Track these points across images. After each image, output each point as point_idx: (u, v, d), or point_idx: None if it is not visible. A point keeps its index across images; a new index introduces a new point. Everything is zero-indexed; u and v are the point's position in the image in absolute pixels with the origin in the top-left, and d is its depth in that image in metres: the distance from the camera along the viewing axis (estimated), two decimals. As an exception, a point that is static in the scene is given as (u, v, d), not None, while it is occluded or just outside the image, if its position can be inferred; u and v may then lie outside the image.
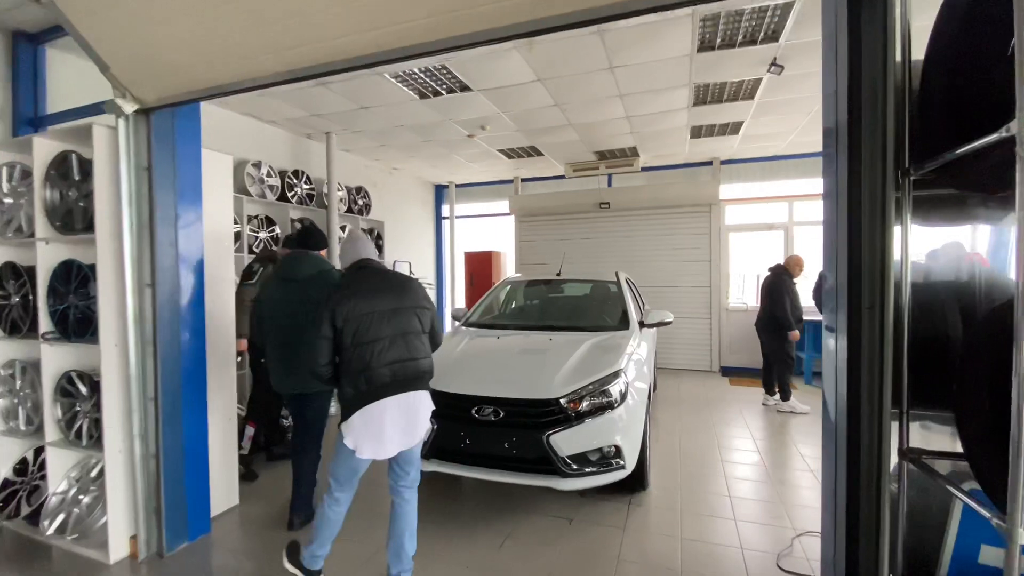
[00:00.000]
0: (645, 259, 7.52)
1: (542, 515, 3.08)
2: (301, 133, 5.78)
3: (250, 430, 3.68)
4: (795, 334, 5.18)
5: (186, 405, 2.80)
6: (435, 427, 3.02)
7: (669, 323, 4.20)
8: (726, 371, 7.26)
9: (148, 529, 2.71)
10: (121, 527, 2.67)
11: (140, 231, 2.66)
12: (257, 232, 5.05)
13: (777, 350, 5.31)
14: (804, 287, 5.87)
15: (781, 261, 5.52)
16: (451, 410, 3.02)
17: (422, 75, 4.10)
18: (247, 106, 4.89)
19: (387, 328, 2.19)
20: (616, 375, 3.08)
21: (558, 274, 4.86)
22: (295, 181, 5.59)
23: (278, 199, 5.37)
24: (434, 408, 2.39)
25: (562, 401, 2.88)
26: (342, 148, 6.39)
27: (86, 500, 2.78)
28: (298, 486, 2.99)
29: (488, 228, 9.17)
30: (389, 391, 2.15)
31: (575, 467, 2.84)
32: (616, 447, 2.92)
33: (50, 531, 2.72)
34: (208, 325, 3.00)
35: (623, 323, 4.03)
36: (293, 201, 5.53)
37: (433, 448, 3.06)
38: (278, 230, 5.26)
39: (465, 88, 4.41)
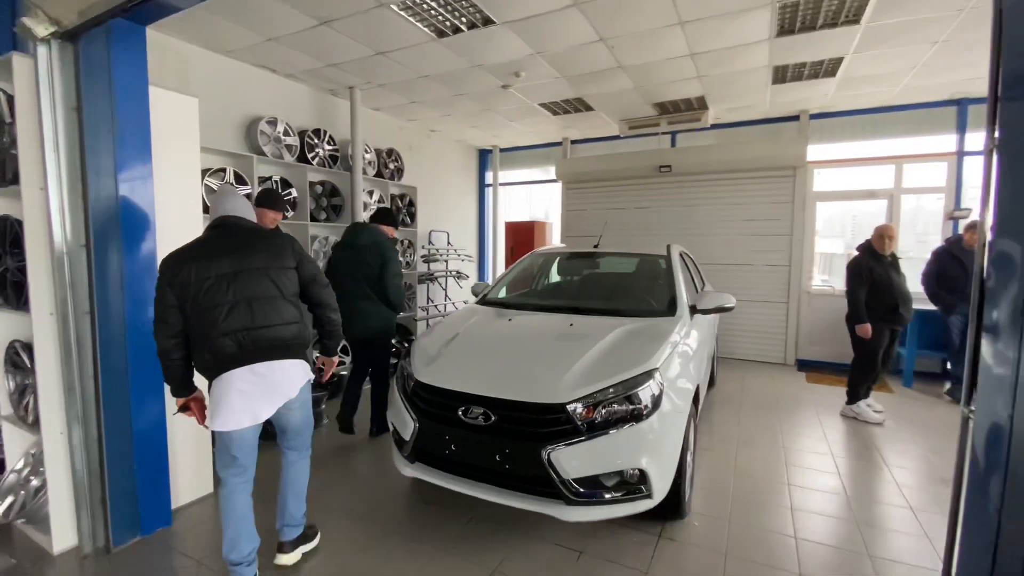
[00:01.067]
0: (711, 232, 6.51)
1: (545, 542, 2.48)
2: (324, 89, 5.33)
3: None
4: (863, 328, 4.08)
5: (135, 384, 2.44)
6: (417, 426, 2.49)
7: (730, 309, 3.35)
8: (803, 365, 6.20)
9: (93, 521, 2.41)
10: (65, 516, 2.39)
11: (72, 183, 2.28)
12: (270, 195, 4.70)
13: (854, 344, 4.28)
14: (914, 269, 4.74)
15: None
16: (435, 408, 2.47)
17: (433, 2, 3.44)
18: (260, 57, 4.48)
19: (227, 294, 1.95)
20: (649, 375, 2.37)
21: (595, 246, 4.12)
22: (316, 141, 5.18)
23: (297, 160, 4.99)
24: (313, 378, 2.19)
25: (571, 407, 2.22)
26: (371, 107, 5.91)
27: (35, 483, 2.53)
28: (374, 407, 3.77)
29: (540, 197, 8.45)
30: (236, 362, 1.93)
31: (584, 492, 2.20)
32: (641, 471, 2.23)
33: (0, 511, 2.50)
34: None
35: (671, 307, 3.25)
36: (314, 163, 5.13)
37: (415, 451, 2.54)
38: (295, 193, 4.89)
39: (488, 21, 3.69)
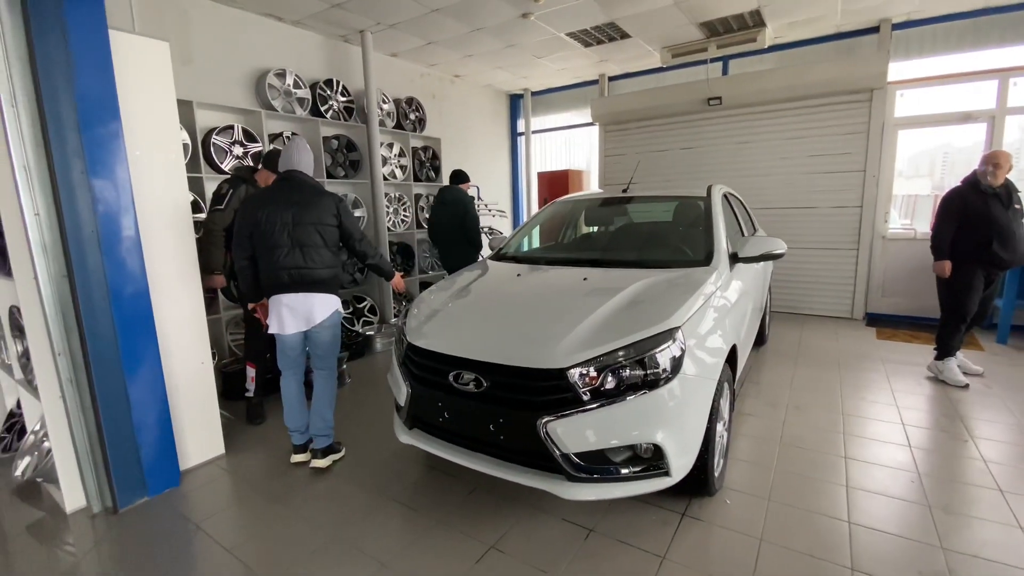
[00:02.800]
0: (767, 172, 5.80)
1: (552, 517, 2.26)
2: (334, 35, 5.02)
3: (251, 371, 3.31)
4: (940, 265, 3.56)
5: (126, 348, 2.37)
6: (410, 391, 2.29)
7: (779, 256, 2.87)
8: (873, 319, 5.51)
9: (98, 483, 2.42)
10: (71, 477, 2.40)
11: (34, 139, 2.14)
12: (284, 152, 4.53)
13: (940, 290, 3.71)
14: None
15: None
16: (426, 372, 2.24)
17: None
18: (263, 3, 4.21)
19: (287, 239, 2.56)
20: (669, 335, 2.01)
21: (625, 190, 3.67)
22: (329, 93, 4.93)
23: (310, 114, 4.78)
24: (339, 311, 2.75)
25: (571, 373, 1.92)
26: (387, 52, 5.56)
27: (46, 444, 2.57)
28: None
29: (580, 143, 7.84)
30: (286, 290, 2.59)
31: (587, 468, 1.93)
32: (655, 446, 1.92)
33: (18, 471, 2.57)
34: (157, 259, 2.53)
35: (707, 256, 2.81)
36: (327, 116, 4.90)
37: (411, 417, 2.35)
38: (308, 149, 4.70)
39: (492, -68, 3.21)
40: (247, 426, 3.30)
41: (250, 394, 3.35)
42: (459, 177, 4.78)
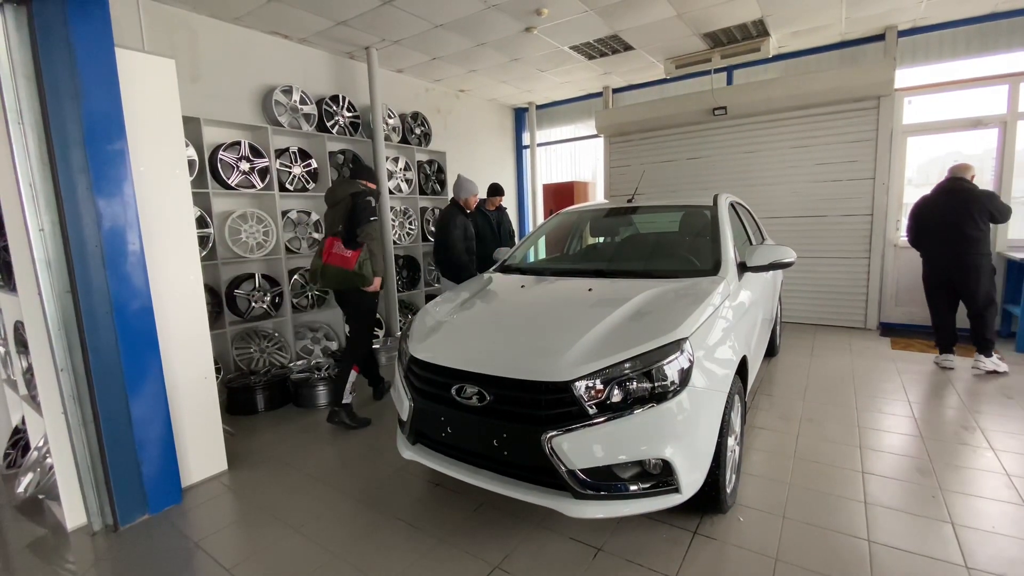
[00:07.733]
0: (774, 181, 5.74)
1: (559, 535, 2.19)
2: (340, 52, 5.08)
3: (354, 375, 3.40)
4: None
5: (128, 364, 2.36)
6: (412, 405, 2.25)
7: (789, 264, 2.82)
8: (888, 329, 5.40)
9: (99, 500, 2.39)
10: (73, 495, 2.38)
11: (40, 156, 2.16)
12: (290, 167, 4.57)
13: (982, 285, 3.91)
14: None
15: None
16: (429, 386, 2.20)
17: (426, -69, 3.04)
18: (269, 21, 4.28)
19: None
20: (676, 346, 1.96)
21: (630, 200, 3.64)
22: (335, 108, 4.98)
23: (317, 129, 4.82)
24: None
25: (576, 386, 1.87)
26: (392, 68, 5.61)
27: (49, 460, 2.55)
28: None
29: (585, 155, 7.83)
30: None
31: (594, 485, 1.87)
32: (664, 462, 1.86)
33: (21, 488, 2.56)
34: (161, 274, 2.53)
35: (715, 265, 2.76)
36: (333, 131, 4.94)
37: (413, 432, 2.31)
38: (314, 164, 4.74)
39: (493, -53, 3.24)
40: (250, 442, 3.27)
41: (348, 399, 3.39)
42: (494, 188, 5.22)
